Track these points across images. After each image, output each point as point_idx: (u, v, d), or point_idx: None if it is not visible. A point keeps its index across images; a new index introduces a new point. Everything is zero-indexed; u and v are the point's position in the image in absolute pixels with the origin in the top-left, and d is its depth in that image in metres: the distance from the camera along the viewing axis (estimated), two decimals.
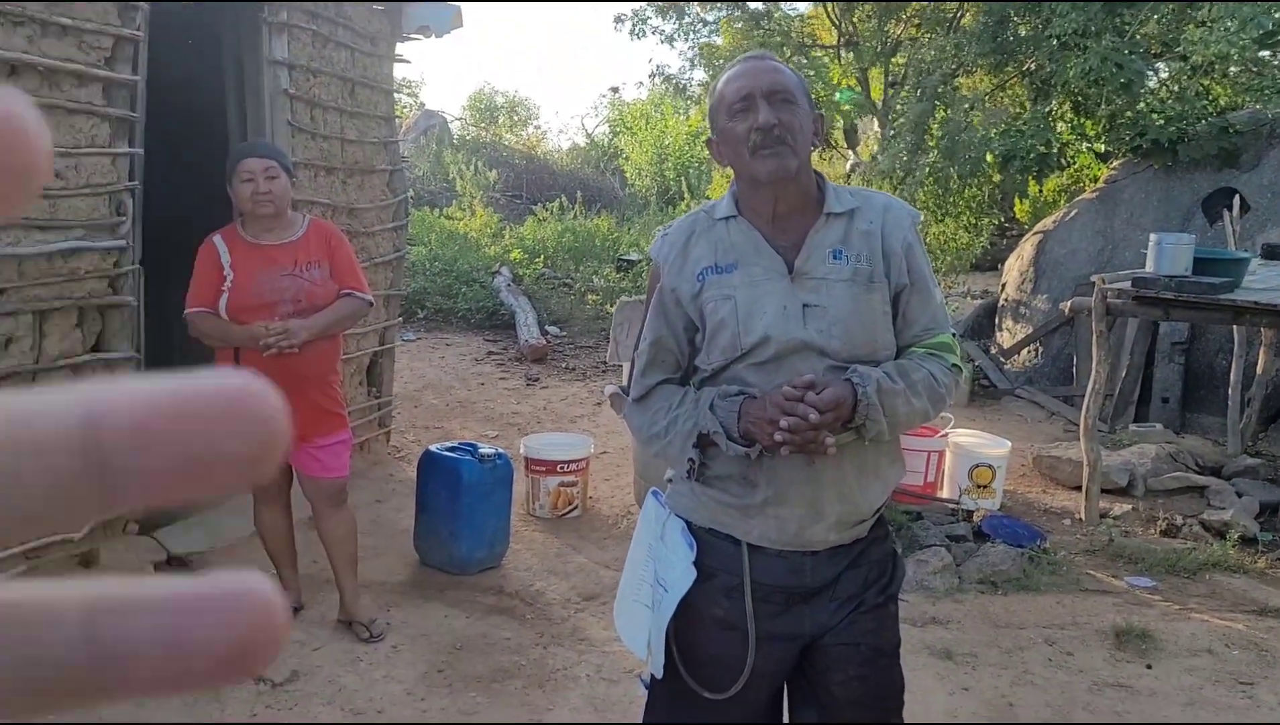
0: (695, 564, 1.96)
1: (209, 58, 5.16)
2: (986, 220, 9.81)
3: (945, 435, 5.51)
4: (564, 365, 9.13)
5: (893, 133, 9.46)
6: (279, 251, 3.53)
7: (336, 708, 3.27)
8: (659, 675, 2.03)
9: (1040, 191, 11.48)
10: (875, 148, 10.33)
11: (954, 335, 2.00)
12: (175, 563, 4.34)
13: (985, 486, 5.41)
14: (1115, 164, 8.85)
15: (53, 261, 3.71)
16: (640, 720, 2.24)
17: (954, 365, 1.95)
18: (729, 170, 1.99)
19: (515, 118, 23.55)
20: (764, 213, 1.93)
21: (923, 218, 2.03)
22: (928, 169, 9.32)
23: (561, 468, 5.25)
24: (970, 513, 5.15)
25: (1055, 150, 8.73)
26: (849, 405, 1.79)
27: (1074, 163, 10.43)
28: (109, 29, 3.85)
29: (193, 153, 5.18)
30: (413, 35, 5.99)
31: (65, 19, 3.65)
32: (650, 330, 2.05)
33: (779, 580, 1.94)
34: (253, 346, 3.42)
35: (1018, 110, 10.22)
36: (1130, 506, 5.58)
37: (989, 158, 9.18)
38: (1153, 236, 5.30)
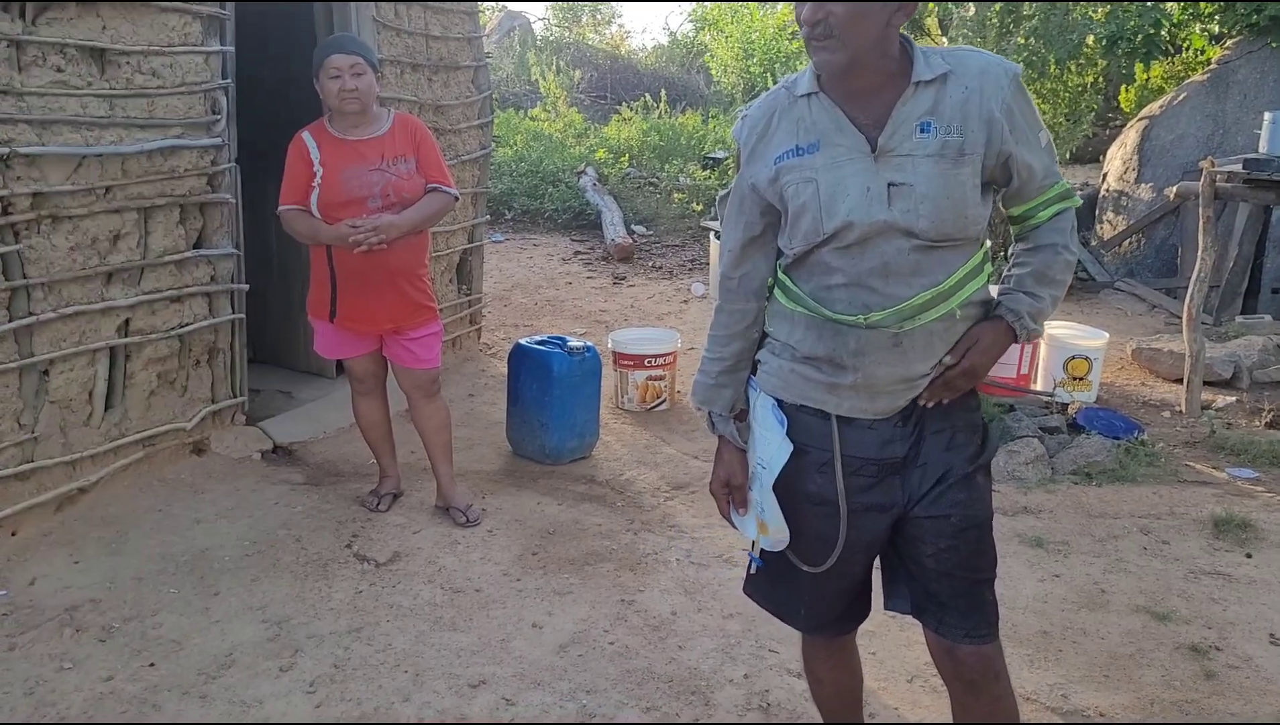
0: (788, 438, 1.98)
1: None
2: (1087, 108, 9.36)
3: None
4: (650, 264, 9.11)
5: (974, 16, 9.00)
6: (366, 146, 3.57)
7: (437, 586, 3.41)
8: (785, 544, 2.06)
9: (1147, 77, 10.91)
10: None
11: None
12: (280, 451, 4.51)
13: (1081, 378, 5.29)
14: (1229, 44, 8.37)
15: (153, 159, 3.81)
16: (733, 605, 2.30)
17: (1072, 209, 1.98)
18: None
19: (598, 17, 23.15)
20: (842, 89, 1.87)
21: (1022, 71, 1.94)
22: (1024, 52, 8.90)
23: (649, 362, 5.29)
24: (1065, 405, 5.06)
25: (1165, 31, 8.26)
26: (1009, 341, 1.95)
27: (1185, 46, 9.88)
28: None
29: (281, 49, 5.21)
30: None
31: None
32: (728, 227, 2.06)
33: (870, 453, 1.95)
34: (342, 245, 3.49)
35: None
36: (1234, 398, 5.41)
37: (1090, 41, 8.73)
38: (1267, 115, 5.04)
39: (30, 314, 3.47)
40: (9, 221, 3.35)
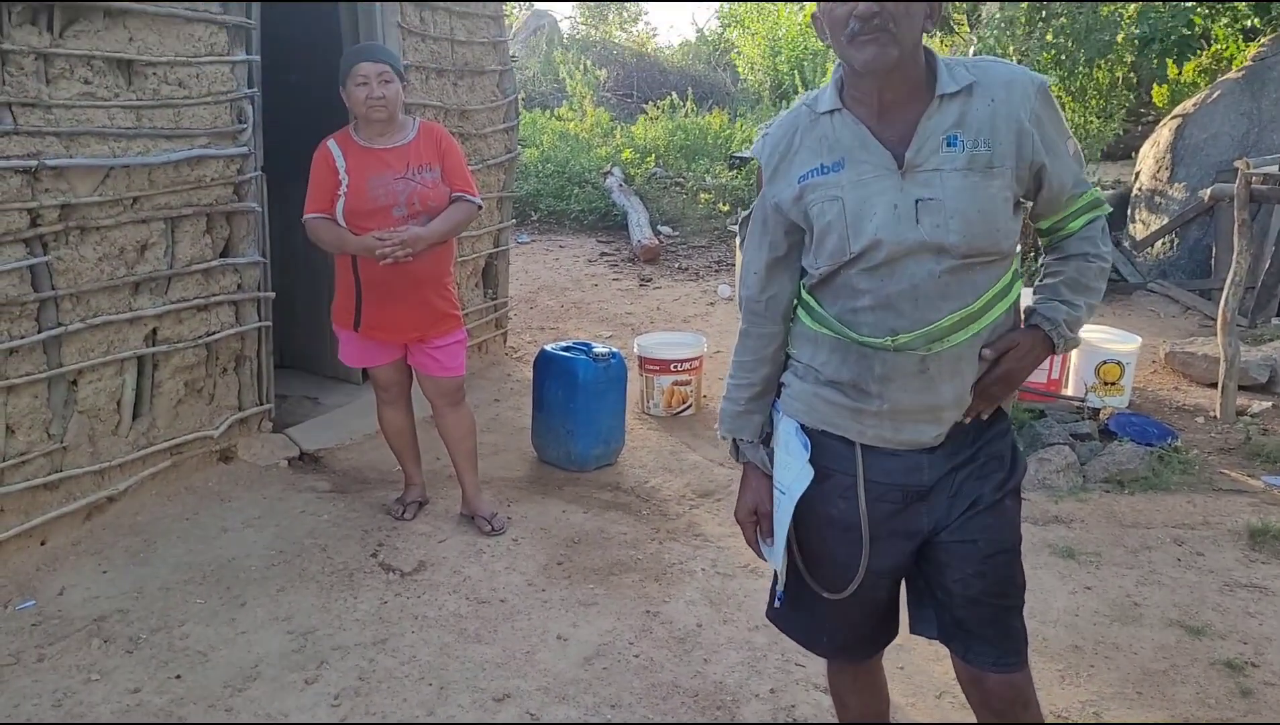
0: (810, 463, 1.95)
1: None
2: (1118, 105, 9.23)
3: None
4: (676, 265, 9.09)
5: (1000, 16, 8.90)
6: (391, 155, 3.57)
7: (462, 596, 3.40)
8: (778, 569, 2.04)
9: (1179, 74, 10.77)
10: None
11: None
12: (307, 458, 4.53)
13: (1113, 383, 5.22)
14: (1264, 40, 8.23)
15: (180, 169, 3.83)
16: (759, 616, 2.27)
17: (1105, 217, 1.94)
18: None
19: (625, 15, 23.12)
20: (869, 103, 1.81)
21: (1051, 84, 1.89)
22: (1052, 50, 8.79)
23: (675, 366, 5.27)
24: (1096, 411, 4.99)
25: (1198, 30, 8.13)
26: (1047, 351, 1.91)
27: (1217, 43, 9.73)
28: None
29: (306, 58, 5.23)
30: None
31: None
32: (751, 248, 2.02)
33: (895, 479, 1.91)
34: (368, 256, 3.49)
35: None
36: (1270, 403, 5.32)
37: (1120, 39, 8.61)
38: None
39: (59, 324, 3.49)
40: (37, 233, 3.37)
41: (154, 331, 3.89)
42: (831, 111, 1.85)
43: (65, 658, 2.98)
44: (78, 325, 3.55)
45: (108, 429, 3.76)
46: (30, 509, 3.51)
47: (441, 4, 5.24)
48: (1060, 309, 1.90)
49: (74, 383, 3.61)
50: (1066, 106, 9.29)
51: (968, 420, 1.89)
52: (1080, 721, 2.81)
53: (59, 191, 3.42)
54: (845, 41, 1.73)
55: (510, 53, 6.21)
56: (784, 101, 16.06)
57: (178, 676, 2.91)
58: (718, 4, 22.33)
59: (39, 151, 3.33)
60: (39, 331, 3.44)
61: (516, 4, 20.20)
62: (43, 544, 3.55)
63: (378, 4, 4.82)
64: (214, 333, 4.12)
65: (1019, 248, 1.95)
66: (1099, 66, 8.88)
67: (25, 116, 3.29)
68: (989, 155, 1.77)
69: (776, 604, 2.13)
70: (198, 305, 4.03)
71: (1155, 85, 11.01)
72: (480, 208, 3.75)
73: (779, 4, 17.63)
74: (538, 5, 21.23)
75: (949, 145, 1.77)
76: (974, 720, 2.06)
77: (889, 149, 1.80)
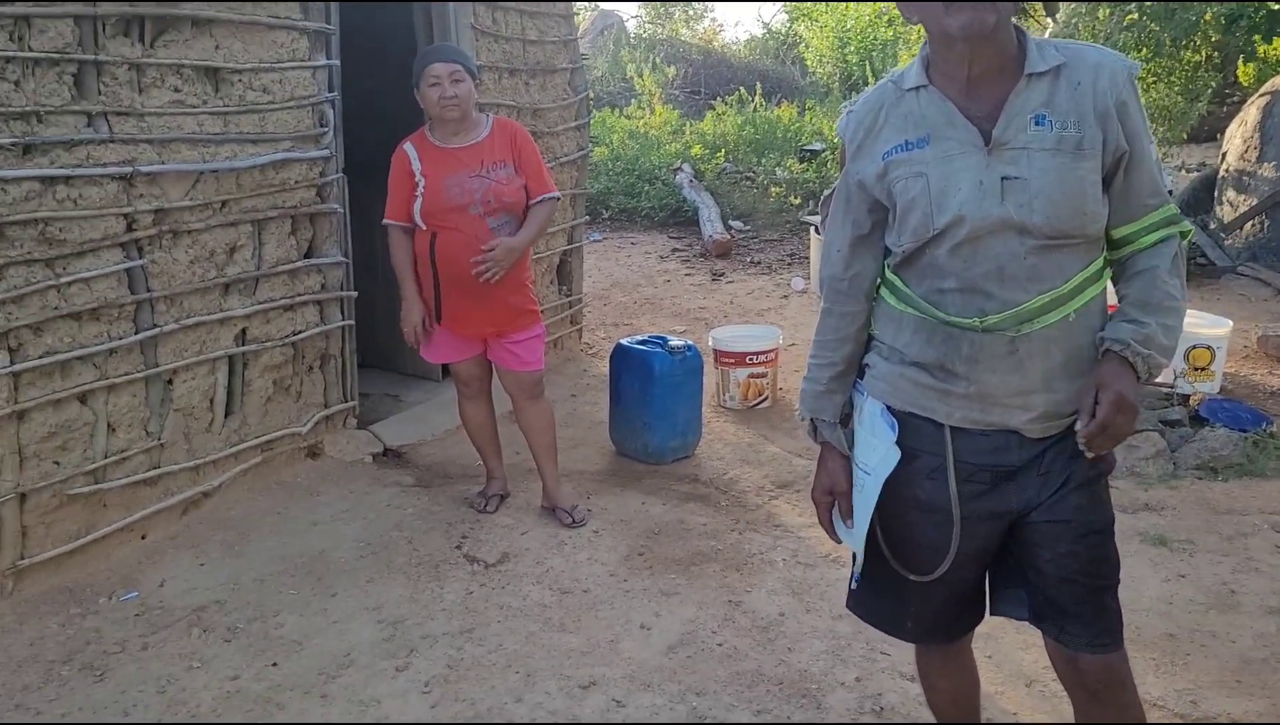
0: (897, 444, 1.93)
1: None
2: (1205, 84, 8.96)
3: None
4: (749, 259, 9.06)
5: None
6: (466, 153, 3.63)
7: (545, 587, 3.44)
8: (859, 553, 2.03)
9: (1266, 52, 10.42)
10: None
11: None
12: (390, 453, 4.62)
13: (1203, 368, 5.08)
14: None
15: (265, 173, 3.93)
16: (842, 606, 2.26)
17: (1182, 232, 1.85)
18: (915, 51, 1.88)
19: (691, 13, 23.11)
20: (957, 77, 1.79)
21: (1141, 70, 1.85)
22: (1135, 32, 8.57)
23: (750, 359, 5.26)
24: (1186, 396, 4.86)
25: None
26: (1131, 375, 1.76)
27: None
28: None
29: (384, 59, 5.33)
30: None
31: None
32: (834, 227, 2.01)
33: (984, 459, 1.88)
34: (411, 313, 3.73)
35: None
36: None
37: (1207, 17, 8.37)
38: None
39: (154, 326, 3.61)
40: (133, 237, 3.49)
41: (243, 331, 4.00)
42: (918, 88, 1.84)
43: (167, 646, 3.08)
44: (172, 326, 3.66)
45: (202, 426, 3.88)
46: (131, 504, 3.64)
47: (513, 4, 5.30)
48: (1125, 328, 1.78)
49: (169, 382, 3.73)
50: (1151, 89, 9.06)
51: (1089, 455, 1.80)
52: (1177, 710, 2.74)
53: (153, 196, 3.54)
54: (941, 9, 1.71)
55: (580, 51, 6.26)
56: (853, 92, 15.89)
57: (274, 664, 3.00)
58: (783, 2, 22.15)
59: (133, 158, 3.44)
60: (136, 332, 3.56)
61: (584, 4, 20.32)
62: (143, 538, 3.68)
63: (451, 5, 4.89)
64: (300, 332, 4.23)
65: (1106, 252, 1.87)
66: (1185, 46, 8.63)
67: (120, 125, 3.41)
68: (1079, 137, 1.74)
69: (853, 585, 2.12)
70: (284, 305, 4.13)
71: (1241, 63, 10.67)
72: (558, 200, 3.81)
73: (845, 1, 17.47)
74: (604, 5, 21.33)
75: (1037, 124, 1.75)
76: (1066, 706, 2.03)
77: (976, 125, 1.78)
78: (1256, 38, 8.74)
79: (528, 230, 3.70)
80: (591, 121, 7.53)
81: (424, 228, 3.64)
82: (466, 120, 3.65)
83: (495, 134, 3.70)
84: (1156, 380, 4.98)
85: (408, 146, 3.69)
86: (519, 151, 3.71)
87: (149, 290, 3.58)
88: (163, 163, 3.54)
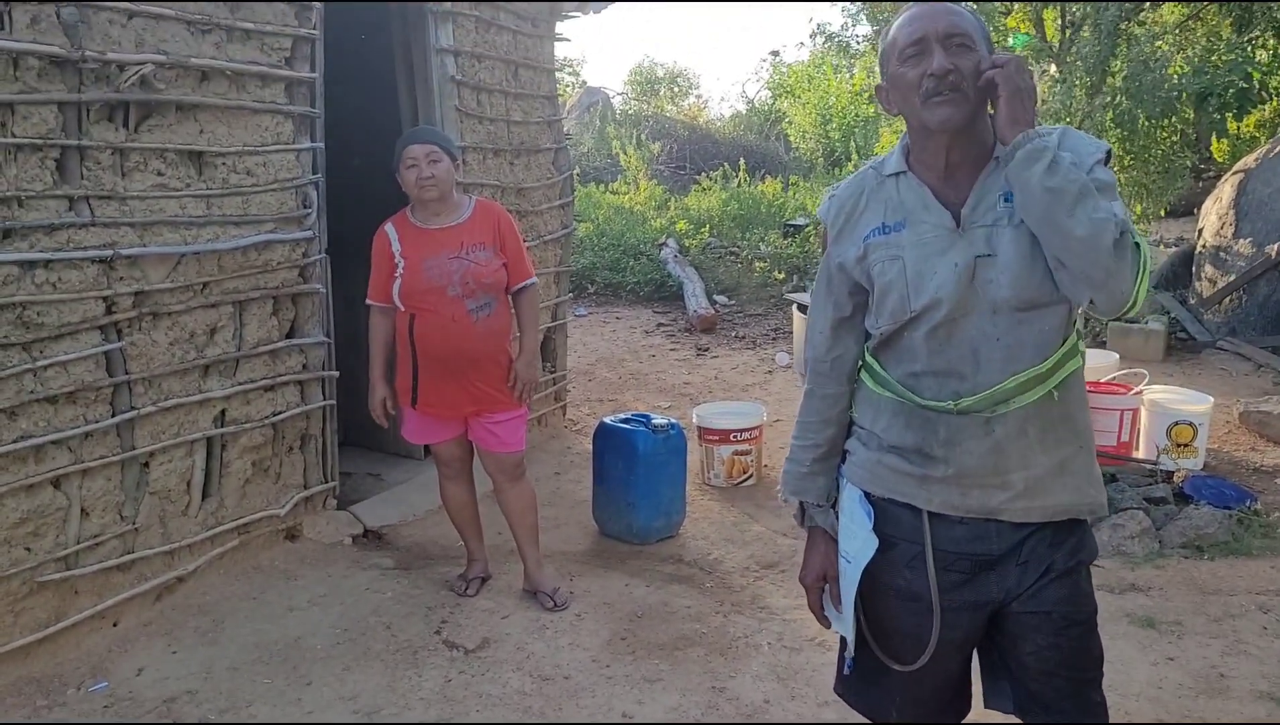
0: (875, 531, 1.92)
1: (378, 49, 5.34)
2: (1180, 162, 9.13)
3: (1139, 392, 5.21)
4: (733, 333, 9.09)
5: (1060, 78, 8.87)
6: (445, 235, 3.64)
7: (526, 674, 3.37)
8: (849, 640, 2.00)
9: (1238, 129, 10.64)
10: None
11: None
12: (371, 534, 4.56)
13: (1186, 445, 5.09)
14: None
15: (248, 254, 3.93)
16: (827, 692, 2.22)
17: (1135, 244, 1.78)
18: (897, 128, 1.92)
19: (676, 89, 23.56)
20: (935, 165, 1.84)
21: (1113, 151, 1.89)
22: (1110, 112, 8.75)
23: (735, 436, 5.24)
24: (1170, 473, 4.86)
25: (1256, 84, 8.05)
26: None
27: (1276, 97, 9.62)
28: (287, 30, 4.03)
29: (369, 141, 5.38)
30: (570, 14, 6.05)
31: (248, 23, 3.84)
32: (816, 309, 2.03)
33: (963, 548, 1.87)
34: (374, 393, 3.79)
35: (1210, 43, 9.47)
36: None
37: (1184, 96, 8.56)
38: None
39: (132, 408, 3.58)
40: (112, 320, 3.48)
41: (223, 412, 3.97)
42: (897, 174, 1.88)
43: None
44: (150, 408, 3.63)
45: (178, 510, 3.83)
46: (103, 590, 3.57)
47: (497, 87, 5.37)
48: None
49: (146, 465, 3.69)
50: (1130, 167, 9.22)
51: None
52: None
53: (133, 279, 3.53)
54: (920, 103, 1.77)
55: (565, 129, 6.34)
56: (836, 168, 16.13)
57: None
58: (767, 76, 22.59)
59: (114, 242, 3.44)
60: (113, 415, 3.53)
61: (571, 79, 20.66)
62: (115, 625, 3.60)
63: (435, 88, 4.96)
64: (280, 412, 4.19)
65: (1080, 325, 1.89)
66: (1162, 126, 8.81)
67: (102, 208, 3.42)
68: None
69: (846, 671, 2.09)
70: (265, 386, 4.11)
71: (1215, 140, 10.88)
72: (536, 285, 3.84)
73: (827, 70, 17.80)
74: (591, 83, 21.68)
75: (1005, 201, 1.78)
76: None
77: (949, 209, 1.82)
78: (1229, 115, 8.95)
79: (528, 333, 3.77)
80: (577, 197, 7.60)
81: (403, 309, 3.64)
82: (446, 201, 3.67)
83: (477, 216, 3.72)
84: (1139, 457, 4.99)
85: (388, 227, 3.71)
86: (501, 235, 3.71)
87: (127, 372, 3.55)
88: (144, 245, 3.54)
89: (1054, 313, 1.80)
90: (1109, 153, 1.82)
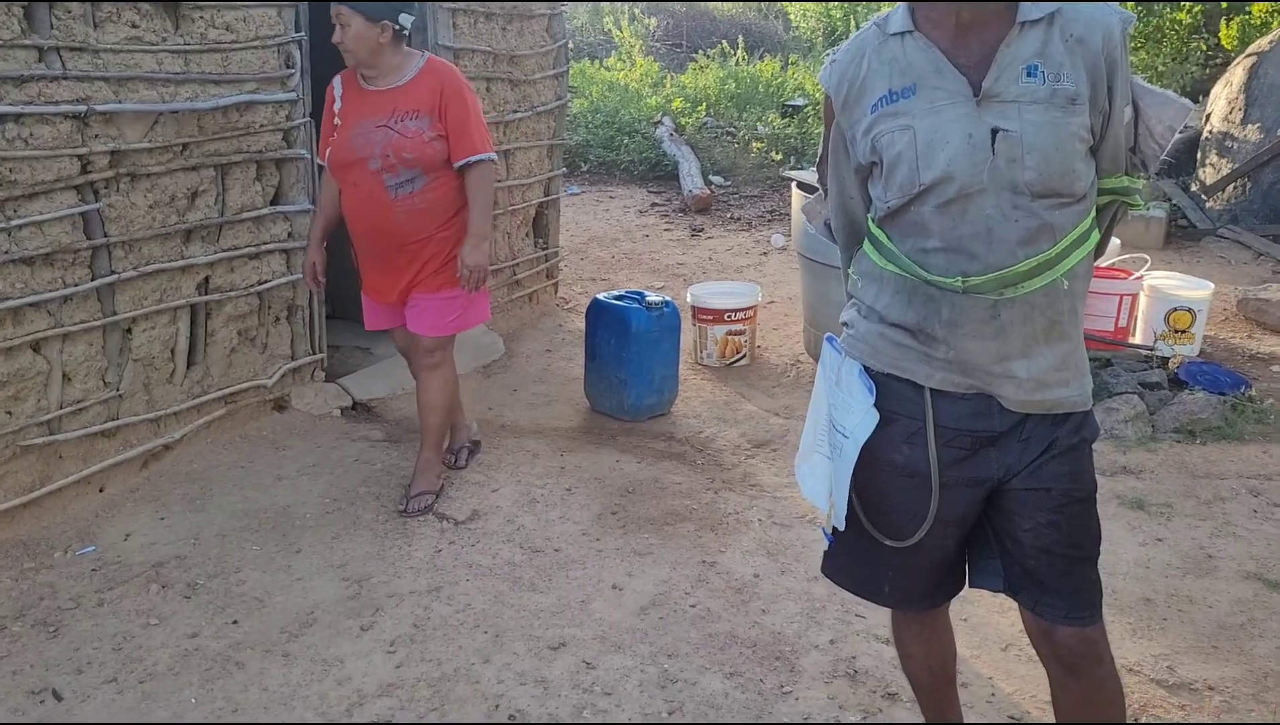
0: (875, 407, 1.86)
1: None
2: (1195, 45, 8.85)
3: (1139, 277, 5.14)
4: (728, 215, 8.95)
5: None
6: (379, 99, 3.34)
7: (515, 545, 3.37)
8: (840, 527, 1.95)
9: (1248, 14, 10.31)
10: None
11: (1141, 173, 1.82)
12: (359, 407, 4.52)
13: (1183, 331, 5.05)
14: None
15: (229, 115, 3.79)
16: (817, 567, 2.20)
17: (1128, 204, 1.85)
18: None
19: None
20: (945, 24, 1.71)
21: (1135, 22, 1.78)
22: None
23: (729, 316, 5.17)
24: (1166, 359, 4.82)
25: None
26: None
27: None
28: None
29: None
30: None
31: None
32: (827, 179, 1.96)
33: (964, 424, 1.81)
34: (308, 267, 3.58)
35: None
36: None
37: None
38: None
39: (112, 272, 3.48)
40: (88, 179, 3.35)
41: (206, 280, 3.88)
42: (902, 34, 1.75)
43: (124, 602, 2.99)
44: (130, 273, 3.54)
45: (163, 377, 3.77)
46: (88, 456, 3.53)
47: None
48: None
49: (128, 331, 3.61)
50: (1141, 50, 8.95)
51: None
52: (1153, 675, 2.71)
53: (109, 137, 3.39)
54: None
55: None
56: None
57: (235, 622, 2.92)
58: None
59: (88, 96, 3.30)
60: (93, 279, 3.43)
61: None
62: (101, 491, 3.58)
63: None
64: (266, 281, 4.10)
65: (1094, 212, 1.80)
66: (1180, 8, 8.51)
67: (74, 61, 3.26)
68: (1073, 91, 1.67)
69: (828, 539, 2.04)
70: (249, 253, 4.00)
71: (1224, 25, 10.56)
72: (494, 161, 3.45)
73: None
74: None
75: (1029, 75, 1.67)
76: (1042, 672, 1.98)
77: (965, 75, 1.70)
78: None
79: (476, 215, 3.37)
80: (570, 72, 7.36)
81: (334, 182, 3.44)
82: (378, 65, 3.32)
83: (420, 80, 3.34)
84: (1136, 342, 4.95)
85: (336, 81, 3.44)
86: (444, 101, 3.32)
87: (106, 235, 3.44)
88: (119, 102, 3.39)
89: (1075, 207, 1.73)
90: (1129, 29, 1.72)
